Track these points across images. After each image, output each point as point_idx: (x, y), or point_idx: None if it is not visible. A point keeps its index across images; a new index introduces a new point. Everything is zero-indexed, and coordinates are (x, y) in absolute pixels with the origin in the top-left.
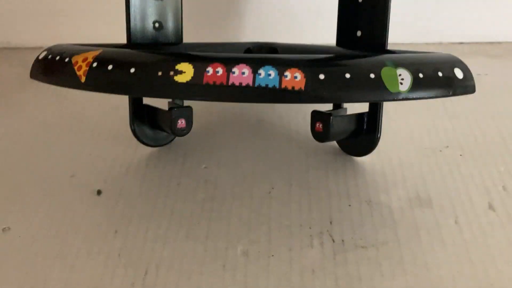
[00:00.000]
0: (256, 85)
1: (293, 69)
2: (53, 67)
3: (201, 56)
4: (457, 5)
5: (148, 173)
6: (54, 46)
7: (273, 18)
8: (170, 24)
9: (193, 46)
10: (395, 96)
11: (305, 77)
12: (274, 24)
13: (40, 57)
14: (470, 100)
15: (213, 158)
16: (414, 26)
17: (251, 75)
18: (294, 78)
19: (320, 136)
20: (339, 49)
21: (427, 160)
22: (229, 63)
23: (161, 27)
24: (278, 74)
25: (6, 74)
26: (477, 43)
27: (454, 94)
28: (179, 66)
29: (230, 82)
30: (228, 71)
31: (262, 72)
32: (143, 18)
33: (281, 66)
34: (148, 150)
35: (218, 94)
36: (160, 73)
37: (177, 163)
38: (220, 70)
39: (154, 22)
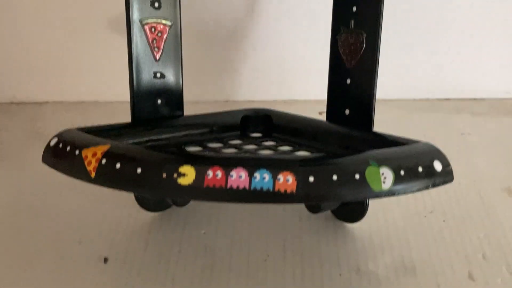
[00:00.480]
0: (252, 188)
1: (285, 172)
2: (64, 158)
3: (202, 158)
4: (442, 63)
5: (151, 239)
6: (64, 133)
7: (268, 75)
8: (172, 99)
9: (193, 118)
10: (378, 194)
11: (296, 180)
12: (269, 80)
13: (51, 144)
14: (453, 161)
15: (212, 223)
16: (402, 83)
17: (247, 179)
18: (286, 181)
19: (313, 209)
20: (329, 124)
21: (412, 225)
22: (227, 166)
23: (164, 103)
24: (272, 177)
25: (12, 130)
26: (462, 99)
27: (434, 186)
28: (182, 169)
29: (228, 185)
30: (227, 174)
31: (257, 175)
32: (147, 96)
33: (275, 169)
34: (150, 214)
35: (218, 196)
36: (164, 175)
37: (178, 228)
38: (219, 174)
39: (156, 99)
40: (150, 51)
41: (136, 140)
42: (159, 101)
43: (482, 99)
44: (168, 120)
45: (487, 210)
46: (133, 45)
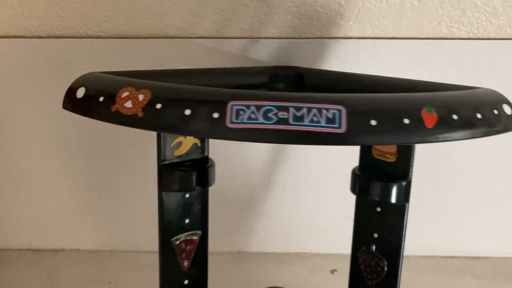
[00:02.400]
0: None
1: None
2: None
3: None
4: (447, 221)
5: None
6: None
7: (280, 230)
8: None
9: None
10: None
11: None
12: (281, 234)
13: None
14: None
15: None
16: (408, 240)
17: None
18: None
19: None
20: None
21: None
22: None
23: None
24: None
25: (29, 283)
26: (466, 257)
27: None
28: None
29: None
30: None
31: None
32: None
33: None
34: None
35: None
36: None
37: None
38: None
39: None
40: (179, 264)
41: None
42: None
43: (485, 258)
44: None
45: None
46: (164, 263)
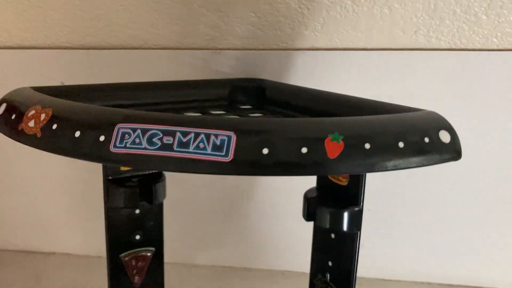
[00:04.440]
0: None
1: None
2: None
3: None
4: (444, 248)
5: None
6: None
7: (265, 246)
8: None
9: None
10: None
11: None
12: (266, 251)
13: None
14: None
15: None
16: (403, 266)
17: None
18: None
19: None
20: None
21: None
22: None
23: None
24: None
25: (16, 285)
26: (465, 286)
27: None
28: None
29: None
30: None
31: None
32: None
33: None
34: None
35: None
36: None
37: None
38: None
39: None
40: (129, 280)
41: None
42: None
43: None
44: None
45: None
46: (112, 278)
